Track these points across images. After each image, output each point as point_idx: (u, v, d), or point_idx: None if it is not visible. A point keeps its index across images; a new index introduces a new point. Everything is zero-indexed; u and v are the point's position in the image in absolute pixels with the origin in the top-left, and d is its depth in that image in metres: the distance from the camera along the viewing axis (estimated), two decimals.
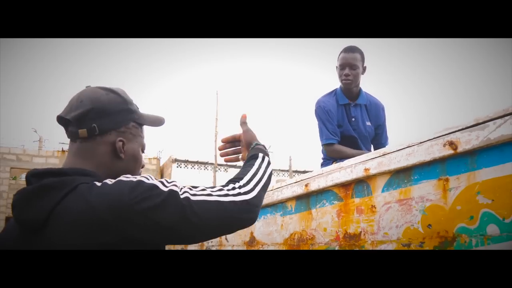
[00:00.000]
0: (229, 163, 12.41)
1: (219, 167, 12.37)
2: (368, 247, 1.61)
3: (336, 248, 1.76)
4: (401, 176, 1.50)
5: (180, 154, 12.43)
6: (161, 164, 12.91)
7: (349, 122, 2.09)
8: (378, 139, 2.14)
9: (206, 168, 12.01)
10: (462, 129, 1.29)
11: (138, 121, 1.04)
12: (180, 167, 12.27)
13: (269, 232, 2.23)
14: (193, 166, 12.42)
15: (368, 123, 2.10)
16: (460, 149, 1.28)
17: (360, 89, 2.13)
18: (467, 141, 1.26)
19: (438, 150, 1.34)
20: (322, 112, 2.17)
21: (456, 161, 1.32)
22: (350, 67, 2.01)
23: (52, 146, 12.71)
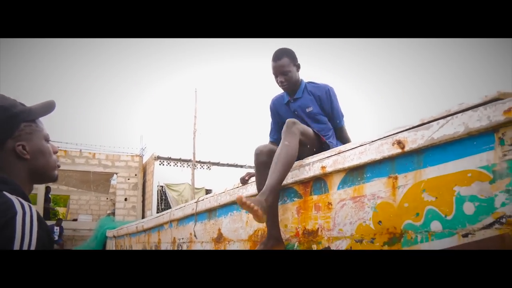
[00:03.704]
0: (211, 161, 12.43)
1: (201, 164, 12.33)
2: (325, 243, 1.65)
3: (296, 244, 1.79)
4: (355, 174, 1.53)
5: (163, 151, 12.36)
6: (143, 162, 12.81)
7: (289, 117, 2.16)
8: (332, 120, 2.14)
9: (188, 165, 11.96)
10: (409, 128, 1.33)
11: (28, 119, 1.05)
12: (163, 165, 12.20)
13: (235, 229, 2.25)
14: (175, 164, 12.36)
15: (309, 109, 2.10)
16: (407, 148, 1.32)
17: (301, 83, 2.15)
18: (413, 141, 1.30)
19: (388, 149, 1.38)
20: (270, 111, 2.33)
21: (404, 159, 1.36)
22: (281, 74, 2.06)
23: None
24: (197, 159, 11.78)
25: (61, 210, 17.82)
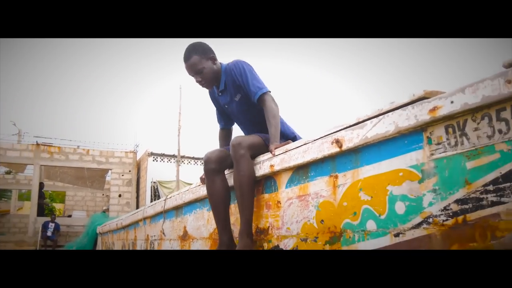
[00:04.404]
0: (195, 157, 12.45)
1: (189, 160, 12.34)
2: (275, 241, 1.64)
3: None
4: (301, 172, 1.52)
5: (157, 148, 12.36)
6: (137, 158, 12.81)
7: (226, 110, 2.08)
8: (249, 96, 1.89)
9: (182, 161, 11.97)
10: (347, 127, 1.32)
11: None
12: (156, 161, 12.20)
13: (198, 227, 2.25)
14: (169, 160, 12.37)
15: (237, 97, 1.94)
16: (344, 147, 1.31)
17: (222, 74, 1.97)
18: (350, 139, 1.29)
19: (327, 148, 1.37)
20: (210, 100, 2.22)
21: (343, 158, 1.35)
22: (196, 73, 1.92)
23: (31, 140, 12.46)
24: (191, 155, 11.77)
25: (58, 206, 17.87)
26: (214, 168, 1.84)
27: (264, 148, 1.79)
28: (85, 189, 14.98)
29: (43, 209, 11.17)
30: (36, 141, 11.22)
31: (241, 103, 1.96)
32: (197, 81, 1.97)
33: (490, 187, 0.98)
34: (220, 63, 2.02)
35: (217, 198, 1.84)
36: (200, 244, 2.20)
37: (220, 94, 2.04)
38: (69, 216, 13.06)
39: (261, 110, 1.88)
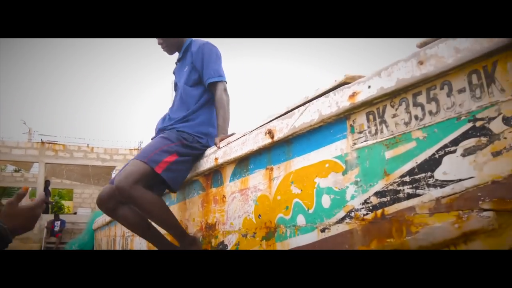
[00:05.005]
0: None
1: None
2: (221, 237, 1.58)
3: (200, 238, 1.73)
4: (242, 165, 1.46)
5: None
6: None
7: (175, 80, 1.97)
8: (203, 75, 1.77)
9: None
10: (278, 117, 1.25)
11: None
12: None
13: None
14: None
15: (186, 69, 1.82)
16: (276, 138, 1.24)
17: (186, 45, 1.88)
18: (280, 130, 1.22)
19: (262, 139, 1.30)
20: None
21: (277, 150, 1.29)
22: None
23: (36, 138, 12.63)
24: None
25: (67, 203, 18.09)
26: (111, 207, 1.70)
27: (144, 169, 1.59)
28: (91, 186, 15.12)
29: (48, 207, 11.28)
30: (41, 139, 11.35)
31: (187, 78, 1.84)
32: (159, 43, 1.91)
33: (407, 178, 0.91)
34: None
35: (138, 227, 1.73)
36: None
37: (177, 62, 1.98)
38: (75, 213, 13.20)
39: (195, 96, 1.80)
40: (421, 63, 0.86)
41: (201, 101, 1.81)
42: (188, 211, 1.85)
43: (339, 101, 1.03)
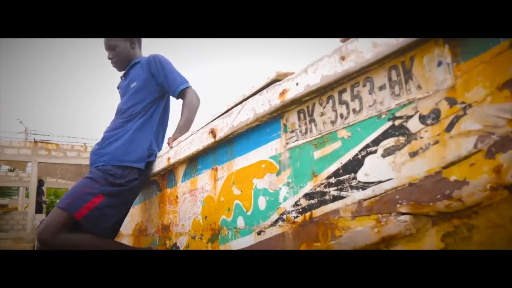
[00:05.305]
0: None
1: None
2: (174, 239, 1.54)
3: (157, 240, 1.69)
4: (192, 165, 1.42)
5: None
6: None
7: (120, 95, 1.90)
8: (169, 89, 1.73)
9: None
10: (219, 116, 1.21)
11: None
12: None
13: (125, 223, 2.16)
14: None
15: (133, 84, 1.76)
16: (217, 137, 1.20)
17: (137, 61, 1.85)
18: (221, 129, 1.18)
19: (206, 138, 1.27)
20: None
21: (221, 150, 1.25)
22: (109, 49, 1.84)
23: (29, 137, 12.60)
24: None
25: None
26: (51, 241, 1.49)
27: (63, 216, 1.51)
28: None
29: (41, 207, 11.25)
30: (34, 138, 11.31)
31: (134, 93, 1.78)
32: (108, 58, 1.89)
33: (332, 180, 0.87)
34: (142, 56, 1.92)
35: (91, 246, 1.56)
36: (127, 241, 2.12)
37: (122, 77, 1.94)
38: None
39: (140, 113, 1.74)
40: (343, 58, 0.82)
41: (140, 121, 1.73)
42: (148, 212, 1.81)
43: (271, 99, 0.99)
